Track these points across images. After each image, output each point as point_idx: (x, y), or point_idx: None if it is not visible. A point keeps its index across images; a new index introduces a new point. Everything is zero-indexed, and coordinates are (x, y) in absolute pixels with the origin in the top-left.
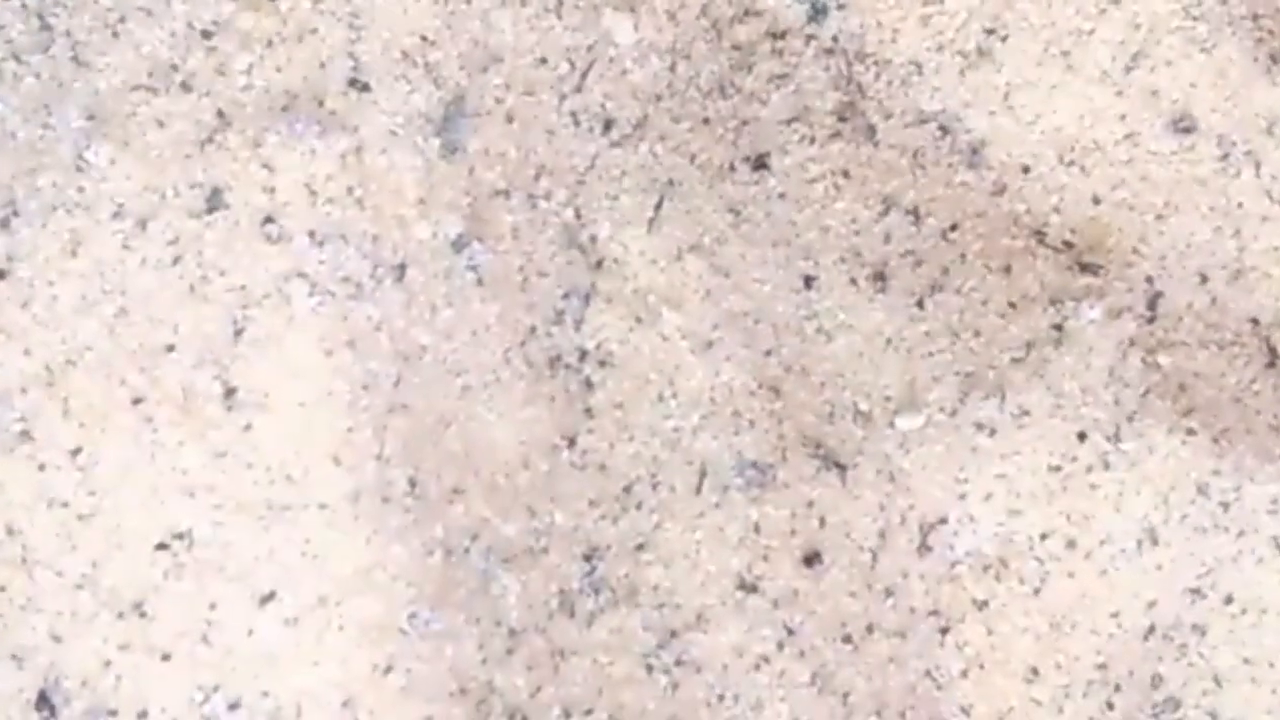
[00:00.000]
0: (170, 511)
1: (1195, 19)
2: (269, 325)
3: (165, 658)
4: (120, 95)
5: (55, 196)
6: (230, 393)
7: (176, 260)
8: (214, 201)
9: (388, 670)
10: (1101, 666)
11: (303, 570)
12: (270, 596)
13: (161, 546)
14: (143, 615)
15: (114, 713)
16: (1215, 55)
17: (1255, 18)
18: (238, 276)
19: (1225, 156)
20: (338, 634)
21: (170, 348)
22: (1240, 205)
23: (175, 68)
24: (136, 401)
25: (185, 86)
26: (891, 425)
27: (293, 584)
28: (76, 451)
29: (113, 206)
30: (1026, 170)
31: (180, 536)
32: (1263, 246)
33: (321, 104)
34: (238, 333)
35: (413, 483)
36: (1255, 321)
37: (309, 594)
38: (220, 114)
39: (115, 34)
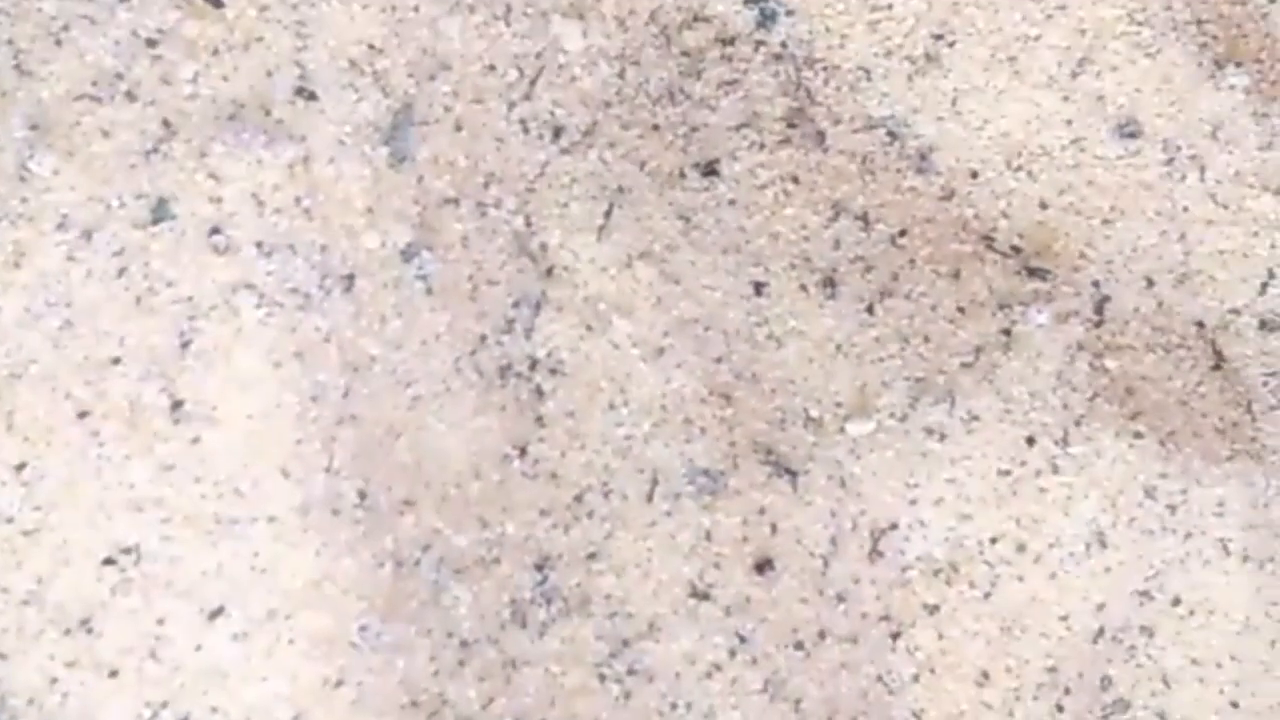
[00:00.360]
0: (117, 526)
1: (1140, 24)
2: (216, 337)
3: (113, 674)
4: (64, 104)
5: None
6: (177, 405)
7: (122, 272)
8: (160, 212)
9: (339, 684)
10: (1051, 669)
11: (252, 584)
12: (219, 611)
13: (108, 562)
14: (90, 631)
15: None
16: (1160, 60)
17: (1199, 23)
18: (184, 288)
19: (1170, 161)
20: (288, 648)
21: (116, 360)
22: (1186, 209)
23: (120, 77)
24: (82, 415)
25: (130, 96)
26: (842, 431)
27: (242, 598)
28: (21, 466)
29: (57, 217)
30: (974, 175)
31: (127, 551)
32: (1208, 250)
33: (268, 113)
34: (184, 345)
35: (363, 494)
36: (1201, 325)
37: (258, 608)
38: (166, 123)
39: (59, 42)
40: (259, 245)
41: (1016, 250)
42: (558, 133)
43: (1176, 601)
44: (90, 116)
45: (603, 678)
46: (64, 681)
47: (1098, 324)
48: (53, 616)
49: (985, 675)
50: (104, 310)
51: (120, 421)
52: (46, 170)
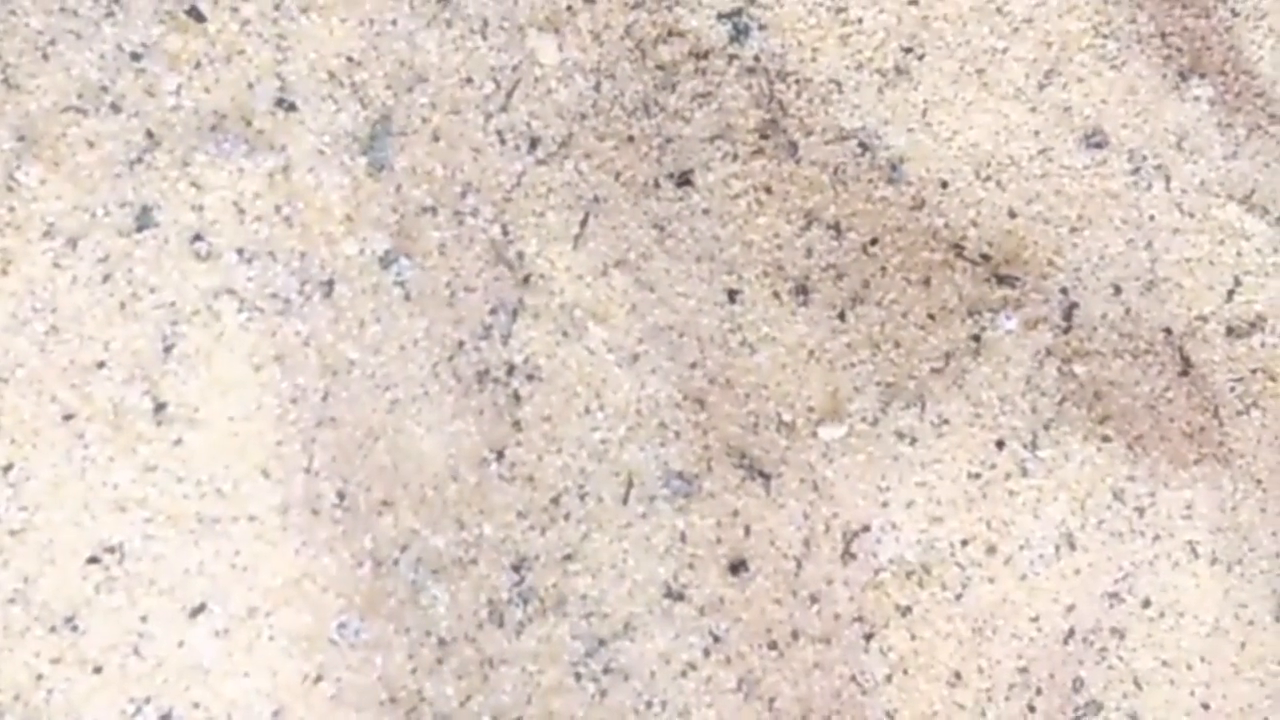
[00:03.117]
0: (101, 525)
1: (1105, 37)
2: (198, 341)
3: (97, 670)
4: (50, 116)
5: None
6: (160, 408)
7: (107, 278)
8: (143, 220)
9: (318, 680)
10: (1023, 670)
11: (232, 582)
12: (200, 609)
13: (92, 560)
14: (74, 629)
15: None
16: (1125, 72)
17: (1163, 35)
18: (167, 294)
19: (1137, 170)
20: (268, 645)
21: (101, 364)
22: (1152, 218)
23: (105, 89)
24: (67, 417)
25: (115, 107)
26: (814, 435)
27: (223, 596)
28: (8, 468)
29: (43, 226)
30: (944, 185)
31: (111, 550)
32: (1174, 258)
33: (249, 124)
34: (167, 349)
35: (341, 495)
36: (1168, 331)
37: (239, 606)
38: (149, 134)
39: (45, 56)
40: (240, 252)
41: (986, 258)
42: (534, 143)
43: (1146, 603)
44: (76, 128)
45: (578, 676)
46: (49, 678)
47: (1066, 330)
48: (38, 614)
49: (957, 676)
50: (89, 315)
51: (104, 423)
52: (33, 180)
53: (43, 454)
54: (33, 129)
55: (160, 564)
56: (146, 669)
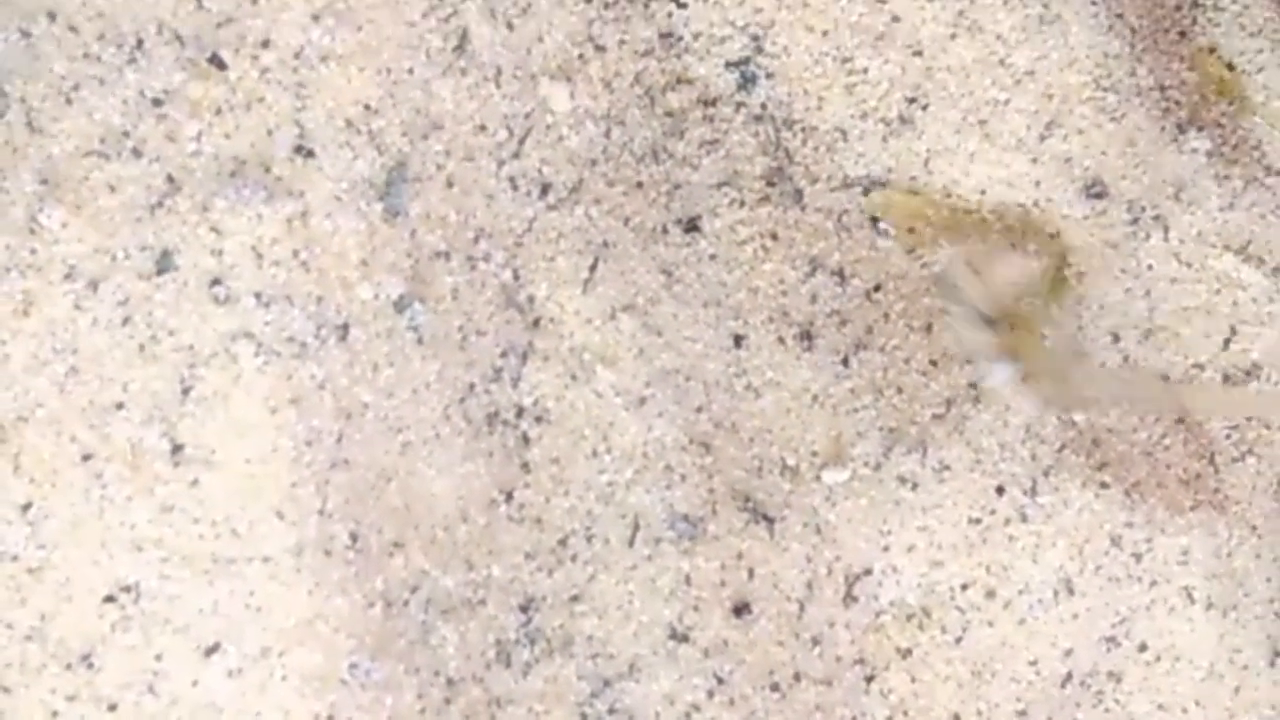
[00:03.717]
0: (118, 565)
1: (1105, 90)
2: (216, 384)
3: (112, 708)
4: (73, 160)
5: (8, 258)
6: (177, 449)
7: (126, 320)
8: (163, 264)
9: (329, 719)
10: (1021, 713)
11: (246, 622)
12: (215, 648)
13: (109, 599)
14: (90, 666)
15: None
16: (1124, 124)
17: (1162, 89)
18: (186, 336)
19: (1135, 220)
20: (280, 684)
21: (120, 405)
22: (1150, 267)
23: (126, 134)
24: (86, 458)
25: (136, 153)
26: (818, 479)
27: (237, 635)
28: (27, 506)
29: (65, 268)
30: None
31: (127, 589)
32: (1172, 307)
33: (268, 170)
34: (185, 391)
35: (354, 536)
36: (1166, 379)
37: (252, 645)
38: (170, 179)
39: (69, 101)
40: (258, 296)
41: None
42: (545, 189)
43: (1143, 648)
44: (98, 172)
45: (584, 716)
46: (64, 715)
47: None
48: (54, 651)
49: (957, 718)
50: (108, 357)
51: (122, 464)
52: (55, 223)
53: (61, 493)
54: (55, 173)
55: (175, 603)
56: (161, 707)
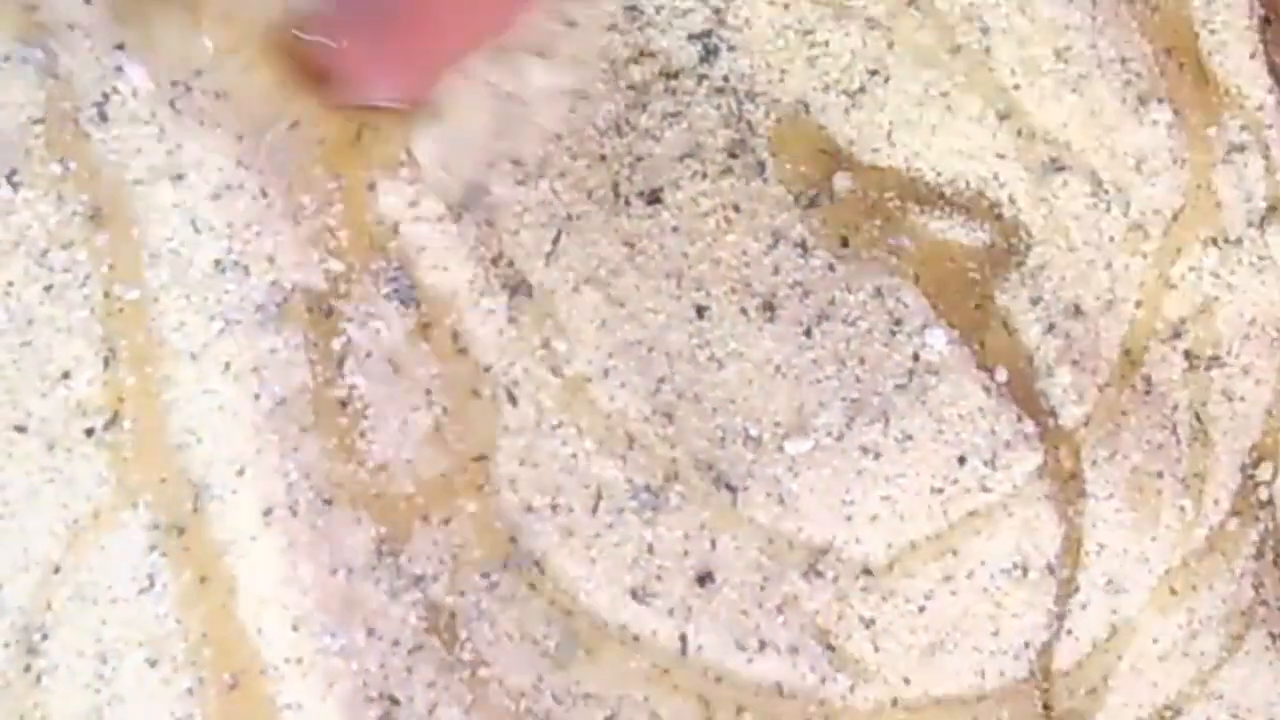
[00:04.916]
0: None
1: (1066, 62)
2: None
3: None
4: None
5: None
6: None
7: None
8: None
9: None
10: (983, 682)
11: None
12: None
13: (58, 570)
14: (45, 638)
15: None
16: (1086, 96)
17: (1123, 61)
18: None
19: (1096, 193)
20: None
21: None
22: (1111, 239)
23: None
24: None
25: None
26: (780, 449)
27: None
28: None
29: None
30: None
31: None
32: (1134, 280)
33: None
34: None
35: (324, 501)
36: (1128, 351)
37: None
38: None
39: None
40: (217, 263)
41: None
42: (512, 162)
43: (1105, 618)
44: None
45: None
46: (15, 685)
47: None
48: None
49: (920, 687)
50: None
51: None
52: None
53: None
54: None
55: None
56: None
